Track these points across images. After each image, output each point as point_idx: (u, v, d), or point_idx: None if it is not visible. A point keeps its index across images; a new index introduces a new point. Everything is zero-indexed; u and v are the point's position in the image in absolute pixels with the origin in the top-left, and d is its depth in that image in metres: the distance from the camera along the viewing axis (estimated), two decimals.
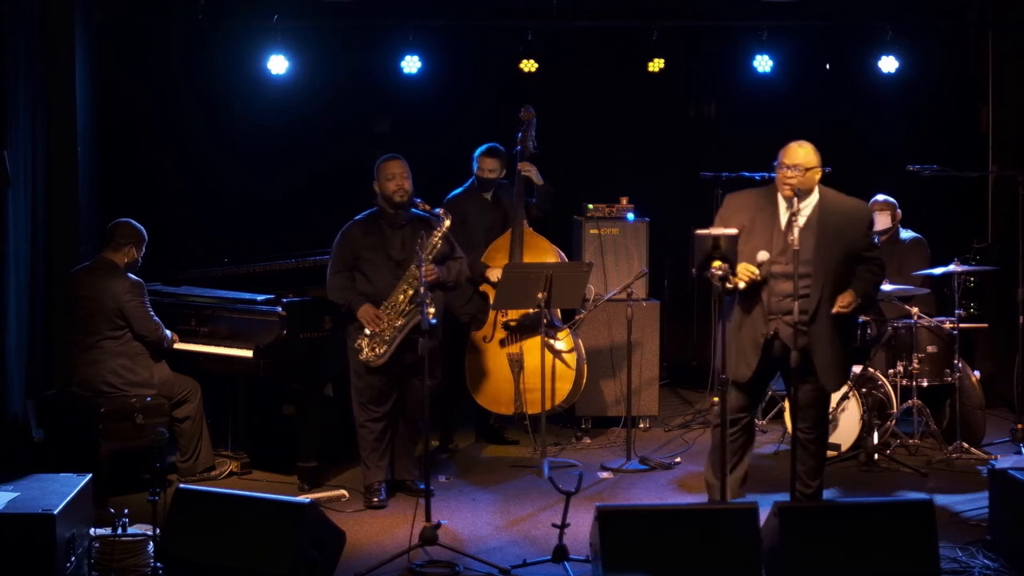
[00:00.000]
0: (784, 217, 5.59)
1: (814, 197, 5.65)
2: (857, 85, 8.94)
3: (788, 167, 5.57)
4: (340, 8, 8.18)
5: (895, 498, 6.27)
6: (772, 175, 5.72)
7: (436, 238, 6.22)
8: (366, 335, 6.23)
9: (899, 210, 7.68)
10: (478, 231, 7.43)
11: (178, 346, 6.75)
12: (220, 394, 7.07)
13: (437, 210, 6.30)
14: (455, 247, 6.54)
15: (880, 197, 7.69)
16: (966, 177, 8.00)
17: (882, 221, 7.64)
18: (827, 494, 6.39)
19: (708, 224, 5.55)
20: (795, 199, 5.46)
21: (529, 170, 7.37)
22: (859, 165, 8.70)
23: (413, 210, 6.36)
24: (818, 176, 5.65)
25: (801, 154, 5.61)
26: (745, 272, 5.44)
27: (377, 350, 6.22)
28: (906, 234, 7.68)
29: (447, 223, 6.26)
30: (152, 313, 6.57)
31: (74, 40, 7.23)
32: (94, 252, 6.83)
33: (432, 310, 5.73)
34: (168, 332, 6.67)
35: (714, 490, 5.78)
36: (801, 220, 5.52)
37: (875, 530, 4.82)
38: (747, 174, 6.95)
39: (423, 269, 5.86)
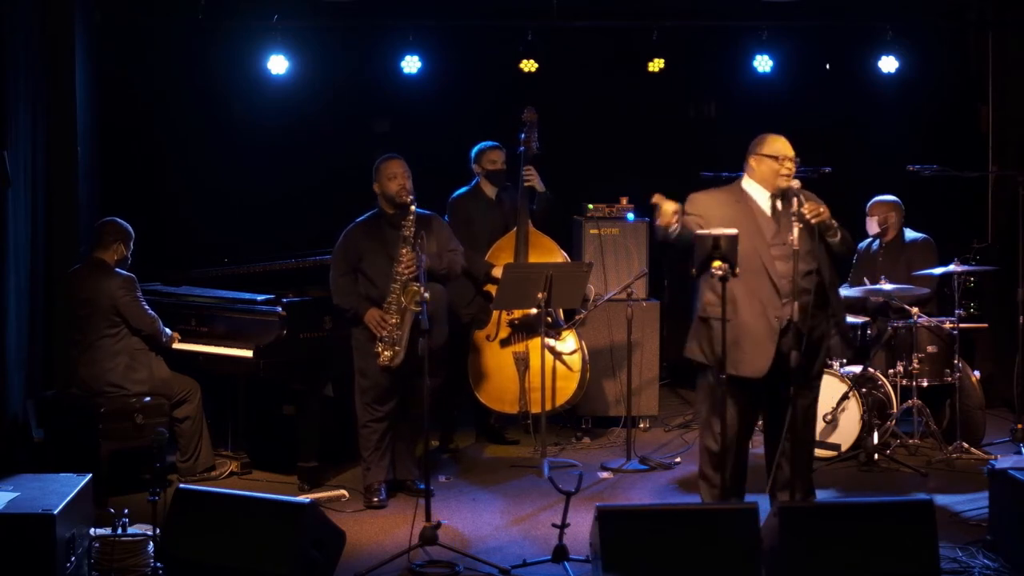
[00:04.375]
0: (764, 205, 5.58)
1: None
2: (857, 85, 8.94)
3: (790, 159, 5.57)
4: (340, 8, 8.18)
5: (895, 498, 6.27)
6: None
7: (407, 228, 6.17)
8: (380, 340, 6.22)
9: (894, 214, 7.65)
10: (482, 231, 7.44)
11: (178, 346, 6.77)
12: (220, 394, 7.08)
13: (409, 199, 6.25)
14: (452, 238, 6.57)
15: (879, 198, 7.68)
16: (966, 177, 8.00)
17: (871, 226, 7.64)
18: (827, 494, 6.41)
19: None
20: (795, 197, 5.44)
21: (531, 177, 7.39)
22: (859, 165, 8.71)
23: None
24: None
25: (791, 146, 5.63)
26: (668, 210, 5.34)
27: (390, 352, 6.20)
28: (911, 234, 7.67)
29: (413, 207, 6.17)
30: (147, 307, 6.59)
31: (74, 40, 7.23)
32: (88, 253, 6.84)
33: (427, 294, 5.75)
34: (168, 330, 6.69)
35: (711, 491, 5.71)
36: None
37: (875, 530, 4.82)
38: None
39: (401, 259, 5.96)
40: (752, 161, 5.65)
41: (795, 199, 5.39)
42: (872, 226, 7.68)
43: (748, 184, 5.65)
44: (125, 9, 8.01)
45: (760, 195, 5.60)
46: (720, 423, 5.38)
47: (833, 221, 5.46)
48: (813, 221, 5.36)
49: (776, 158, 5.58)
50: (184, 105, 8.50)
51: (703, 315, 5.53)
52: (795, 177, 5.60)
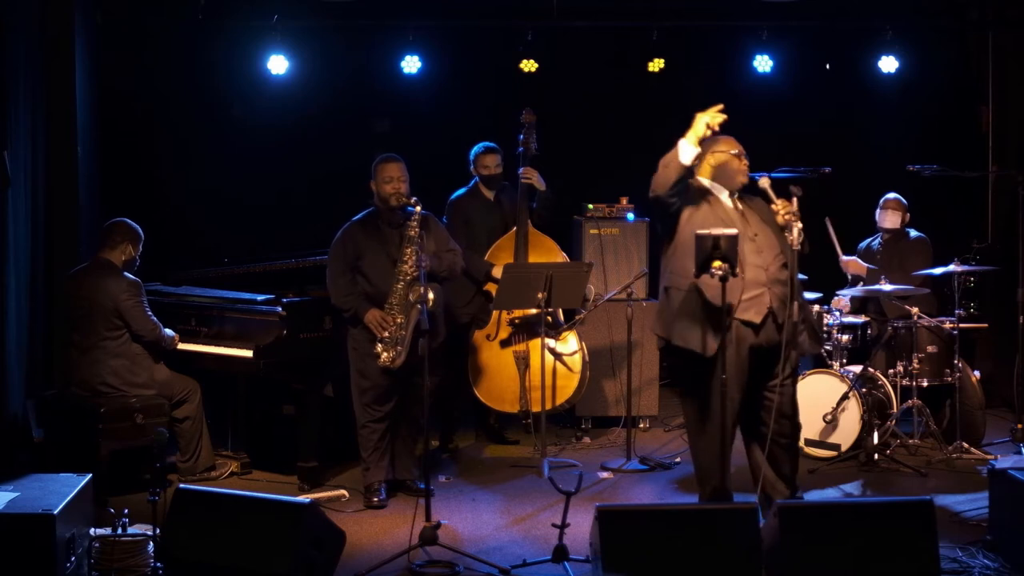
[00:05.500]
0: (727, 203, 5.58)
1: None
2: (857, 85, 8.94)
3: (744, 157, 5.58)
4: (340, 8, 8.18)
5: (895, 498, 6.27)
6: (771, 175, 5.69)
7: (412, 228, 6.16)
8: (381, 340, 6.21)
9: (908, 213, 7.68)
10: (481, 232, 7.44)
11: (178, 346, 6.76)
12: (220, 394, 7.07)
13: (412, 200, 6.22)
14: (449, 239, 6.56)
15: (892, 195, 7.70)
16: (966, 177, 8.01)
17: (891, 220, 7.64)
18: (827, 494, 6.41)
19: None
20: (795, 199, 5.45)
21: (531, 176, 7.39)
22: (859, 165, 8.71)
23: (408, 208, 6.32)
24: None
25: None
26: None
27: (391, 352, 6.19)
28: (913, 234, 7.70)
29: (419, 208, 6.17)
30: (150, 313, 6.57)
31: (74, 40, 7.23)
32: (93, 253, 6.83)
33: (432, 294, 5.75)
34: (170, 332, 6.68)
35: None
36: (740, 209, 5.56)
37: (875, 530, 4.82)
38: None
39: (406, 259, 5.94)
40: (710, 158, 5.66)
41: (772, 192, 5.44)
42: (895, 220, 7.63)
43: (706, 182, 5.66)
44: (125, 9, 8.01)
45: (721, 193, 5.61)
46: (715, 420, 5.38)
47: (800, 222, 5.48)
48: (787, 218, 5.39)
49: (738, 156, 5.61)
50: (184, 105, 8.50)
51: (668, 284, 5.54)
52: (796, 177, 5.60)
